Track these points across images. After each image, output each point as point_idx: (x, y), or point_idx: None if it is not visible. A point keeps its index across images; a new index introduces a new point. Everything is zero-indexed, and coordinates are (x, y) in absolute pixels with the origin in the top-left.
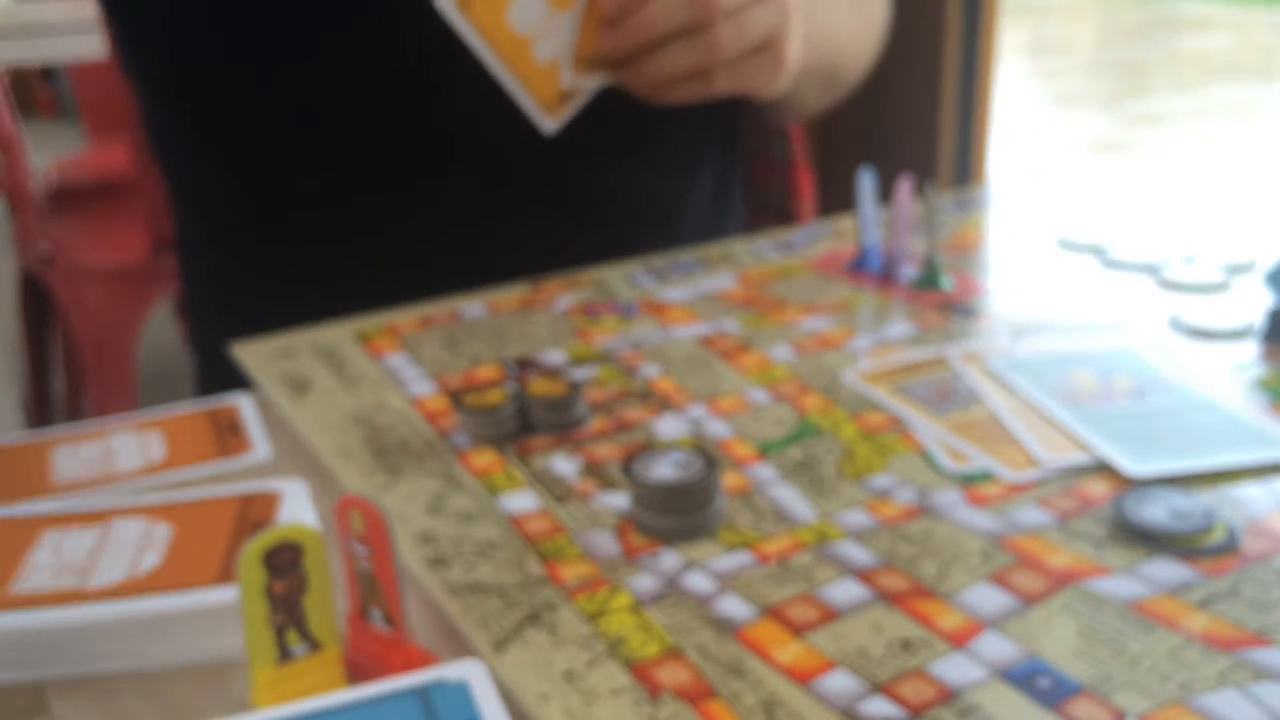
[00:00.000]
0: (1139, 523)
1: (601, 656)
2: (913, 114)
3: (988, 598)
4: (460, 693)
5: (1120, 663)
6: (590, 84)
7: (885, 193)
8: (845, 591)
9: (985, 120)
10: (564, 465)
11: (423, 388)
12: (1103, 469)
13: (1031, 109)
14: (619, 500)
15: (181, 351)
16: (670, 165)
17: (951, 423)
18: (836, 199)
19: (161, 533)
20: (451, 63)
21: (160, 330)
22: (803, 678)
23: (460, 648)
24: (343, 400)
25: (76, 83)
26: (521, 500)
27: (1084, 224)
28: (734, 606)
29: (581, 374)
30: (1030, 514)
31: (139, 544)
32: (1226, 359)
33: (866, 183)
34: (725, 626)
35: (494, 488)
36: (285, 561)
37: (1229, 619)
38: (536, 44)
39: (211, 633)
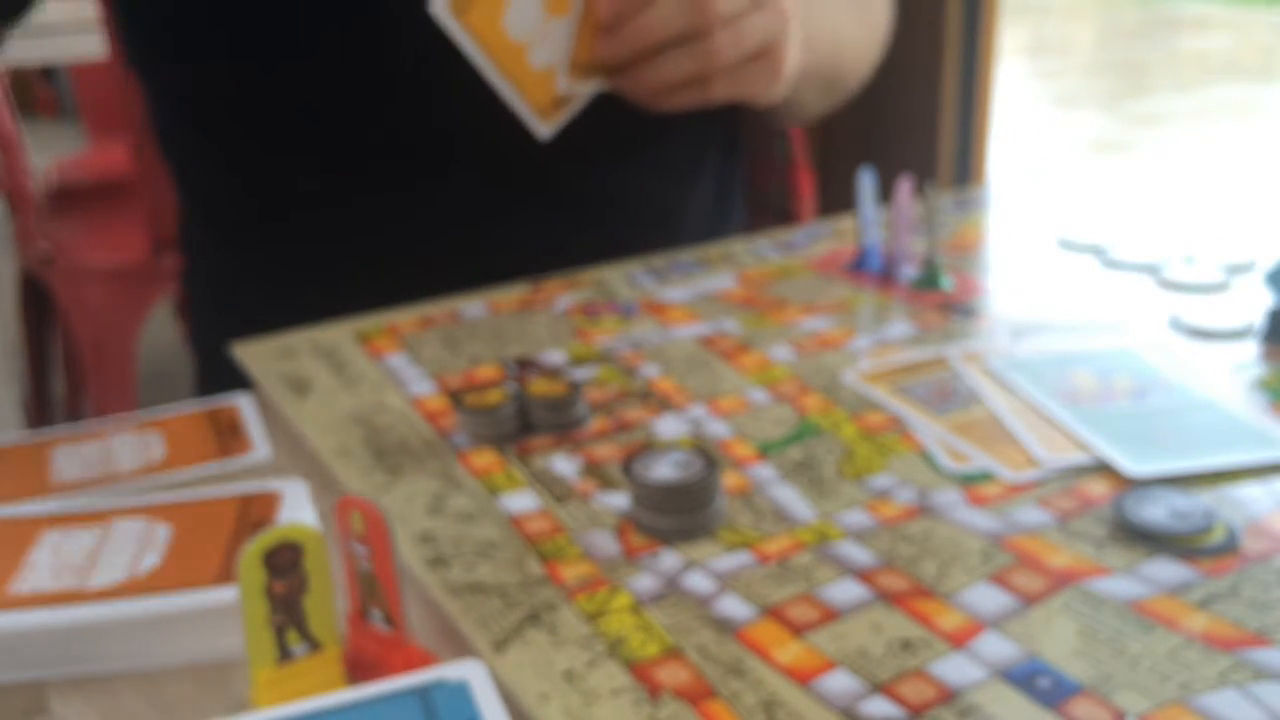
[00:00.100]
0: (1139, 523)
1: (601, 656)
2: (913, 114)
3: (988, 598)
4: (460, 693)
5: (1120, 663)
6: (586, 90)
7: (885, 193)
8: (845, 591)
9: (985, 120)
10: (564, 465)
11: (423, 388)
12: (1103, 469)
13: (1031, 109)
14: (619, 500)
15: (181, 351)
16: (670, 168)
17: (951, 423)
18: (836, 199)
19: (161, 533)
20: (452, 64)
21: (160, 330)
22: (803, 678)
23: (460, 648)
24: (343, 400)
25: (76, 83)
26: (521, 500)
27: (1084, 224)
28: (734, 606)
29: (581, 374)
30: (1030, 514)
31: (139, 544)
32: (1226, 359)
33: (866, 183)
34: (725, 626)
35: (494, 488)
36: (285, 561)
37: (1229, 619)
38: (532, 50)
39: (211, 633)
